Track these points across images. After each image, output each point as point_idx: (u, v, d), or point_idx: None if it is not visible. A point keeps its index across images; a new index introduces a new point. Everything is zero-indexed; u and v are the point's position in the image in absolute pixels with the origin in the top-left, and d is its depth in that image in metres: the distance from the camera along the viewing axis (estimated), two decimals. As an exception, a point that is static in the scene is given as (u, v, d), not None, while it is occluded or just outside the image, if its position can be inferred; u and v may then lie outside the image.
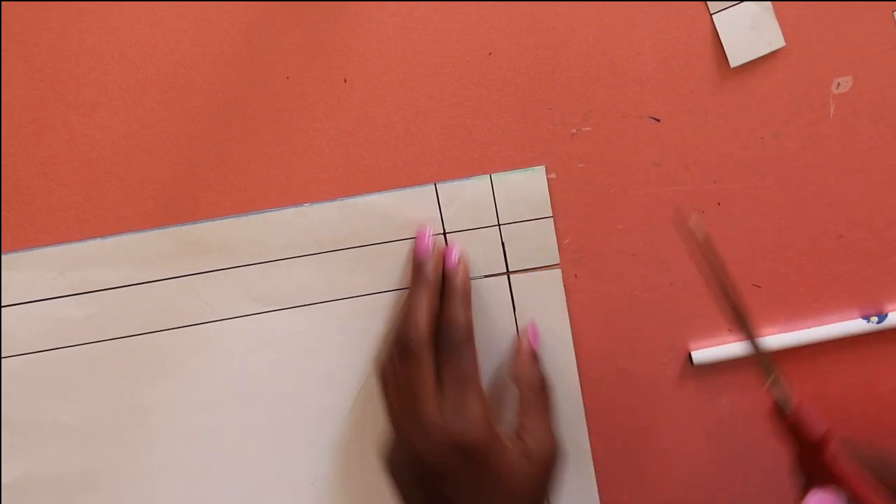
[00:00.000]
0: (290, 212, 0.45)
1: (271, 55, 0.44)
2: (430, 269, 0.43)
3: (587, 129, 0.45)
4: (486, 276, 0.45)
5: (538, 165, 0.45)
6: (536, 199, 0.45)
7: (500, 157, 0.45)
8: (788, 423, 0.38)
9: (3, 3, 0.43)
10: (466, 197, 0.45)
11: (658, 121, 0.45)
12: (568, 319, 0.46)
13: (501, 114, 0.45)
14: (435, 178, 0.45)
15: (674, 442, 0.47)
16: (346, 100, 0.44)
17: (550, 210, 0.45)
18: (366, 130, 0.45)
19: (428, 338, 0.40)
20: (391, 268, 0.45)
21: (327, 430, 0.46)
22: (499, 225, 0.45)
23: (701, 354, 0.46)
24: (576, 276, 0.46)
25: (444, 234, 0.45)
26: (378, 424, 0.46)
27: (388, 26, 0.44)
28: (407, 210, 0.45)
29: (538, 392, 0.43)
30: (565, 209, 0.45)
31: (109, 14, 0.43)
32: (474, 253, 0.45)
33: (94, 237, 0.44)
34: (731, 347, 0.46)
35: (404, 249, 0.45)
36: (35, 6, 0.43)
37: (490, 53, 0.44)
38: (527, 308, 0.46)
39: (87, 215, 0.45)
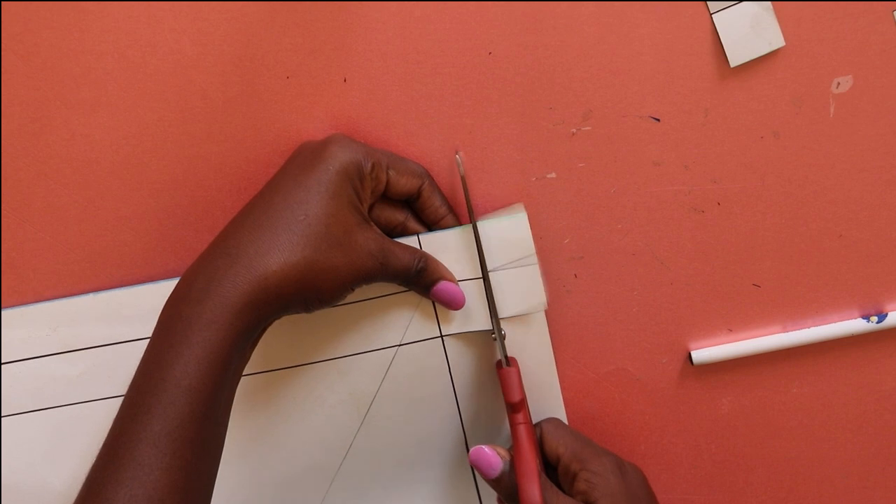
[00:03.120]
0: None
1: (271, 55, 0.44)
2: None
3: (587, 129, 0.45)
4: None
5: (521, 212, 0.44)
6: (521, 244, 0.44)
7: (499, 158, 0.45)
8: (499, 376, 0.43)
9: (2, 3, 0.43)
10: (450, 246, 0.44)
11: (658, 120, 0.45)
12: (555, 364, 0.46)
13: (501, 114, 0.45)
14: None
15: (674, 442, 0.47)
16: (346, 100, 0.44)
17: (535, 257, 0.44)
18: (366, 130, 0.45)
19: None
20: (378, 325, 0.45)
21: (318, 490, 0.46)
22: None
23: (701, 354, 0.46)
24: (576, 276, 0.46)
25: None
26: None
27: (388, 26, 0.44)
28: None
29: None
30: (565, 209, 0.45)
31: (109, 14, 0.43)
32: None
33: (86, 292, 0.44)
34: (731, 347, 0.46)
35: (392, 303, 0.44)
36: (35, 6, 0.43)
37: (490, 53, 0.44)
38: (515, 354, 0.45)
39: (86, 215, 0.45)
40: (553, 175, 0.45)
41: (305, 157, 0.40)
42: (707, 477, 0.48)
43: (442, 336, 0.45)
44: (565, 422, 0.46)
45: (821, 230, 0.46)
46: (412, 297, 0.44)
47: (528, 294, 0.44)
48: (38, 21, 0.43)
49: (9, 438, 0.44)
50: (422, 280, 0.42)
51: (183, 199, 0.45)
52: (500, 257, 0.44)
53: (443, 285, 0.42)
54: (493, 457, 0.41)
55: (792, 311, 0.46)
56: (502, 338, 0.43)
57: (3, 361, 0.44)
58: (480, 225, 0.43)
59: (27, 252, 0.45)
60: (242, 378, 0.41)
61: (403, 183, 0.42)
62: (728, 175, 0.45)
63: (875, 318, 0.46)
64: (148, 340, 0.36)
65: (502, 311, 0.44)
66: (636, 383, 0.47)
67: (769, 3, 0.43)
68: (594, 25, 0.44)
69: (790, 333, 0.46)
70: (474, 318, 0.44)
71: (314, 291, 0.38)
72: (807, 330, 0.46)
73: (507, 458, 0.41)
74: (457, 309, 0.43)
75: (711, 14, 0.44)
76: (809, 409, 0.47)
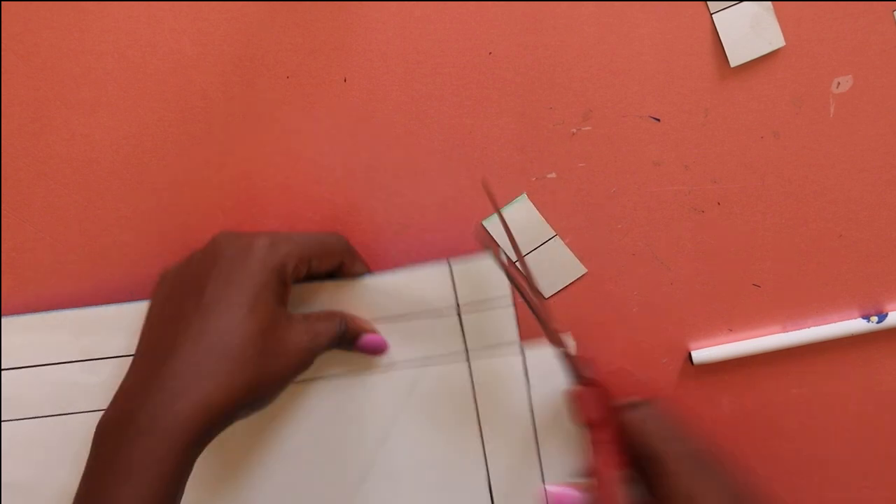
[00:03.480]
0: None
1: (271, 55, 0.44)
2: None
3: (587, 129, 0.45)
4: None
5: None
6: (536, 224, 0.44)
7: (499, 158, 0.45)
8: (572, 393, 0.41)
9: (2, 3, 0.43)
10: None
11: (658, 120, 0.45)
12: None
13: (501, 114, 0.45)
14: (436, 178, 0.45)
15: (674, 442, 0.47)
16: (346, 99, 0.44)
17: (558, 237, 0.44)
18: (366, 130, 0.45)
19: None
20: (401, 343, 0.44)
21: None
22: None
23: (701, 354, 0.46)
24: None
25: (459, 313, 0.44)
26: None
27: (388, 26, 0.44)
28: (420, 290, 0.44)
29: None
30: (565, 209, 0.45)
31: (109, 14, 0.43)
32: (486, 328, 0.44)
33: (108, 303, 0.44)
34: (731, 347, 0.46)
35: (418, 325, 0.44)
36: (35, 6, 0.43)
37: (490, 53, 0.44)
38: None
39: (86, 215, 0.45)
40: (553, 175, 0.45)
41: (230, 269, 0.39)
42: (707, 477, 0.48)
43: (467, 350, 0.45)
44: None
45: (821, 230, 0.46)
46: (436, 316, 0.44)
47: (567, 266, 0.45)
48: (38, 21, 0.43)
49: (26, 440, 0.44)
50: (346, 339, 0.43)
51: (183, 199, 0.45)
52: (524, 242, 0.45)
53: (367, 338, 0.43)
54: (576, 499, 0.40)
55: (792, 311, 0.46)
56: (566, 354, 0.41)
57: (24, 365, 0.44)
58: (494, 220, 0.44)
59: (27, 252, 0.45)
60: None
61: (326, 266, 0.42)
62: (728, 175, 0.45)
63: (875, 318, 0.46)
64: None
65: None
66: (636, 383, 0.47)
67: (769, 3, 0.43)
68: (594, 25, 0.44)
69: (790, 333, 0.46)
70: (501, 336, 0.44)
71: (259, 402, 0.39)
72: (807, 330, 0.46)
73: (588, 494, 0.39)
74: (381, 355, 0.44)
75: (711, 14, 0.44)
76: (809, 409, 0.47)
